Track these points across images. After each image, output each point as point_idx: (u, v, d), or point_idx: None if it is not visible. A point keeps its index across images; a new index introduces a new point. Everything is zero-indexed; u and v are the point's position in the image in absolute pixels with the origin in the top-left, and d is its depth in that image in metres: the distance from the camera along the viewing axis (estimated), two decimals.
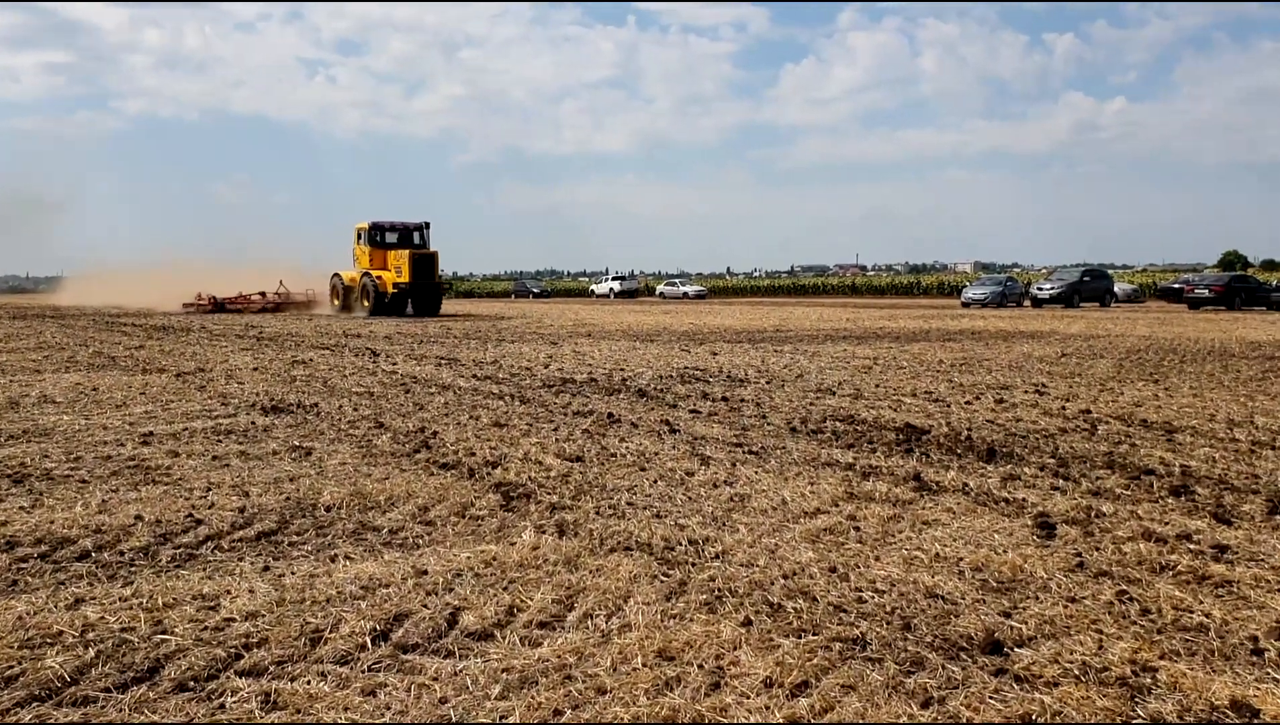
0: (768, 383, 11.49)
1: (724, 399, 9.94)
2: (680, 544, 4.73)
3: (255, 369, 13.38)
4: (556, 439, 7.55)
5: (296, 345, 18.28)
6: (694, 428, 8.12)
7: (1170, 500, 5.63)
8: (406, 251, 34.55)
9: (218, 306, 38.47)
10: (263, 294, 39.91)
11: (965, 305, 46.86)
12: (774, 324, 27.77)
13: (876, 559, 4.54)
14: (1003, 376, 12.29)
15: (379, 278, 34.64)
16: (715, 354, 15.89)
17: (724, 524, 5.12)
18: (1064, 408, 9.30)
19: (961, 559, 4.50)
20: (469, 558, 4.53)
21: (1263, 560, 4.45)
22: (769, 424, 8.35)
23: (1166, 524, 5.11)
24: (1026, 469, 6.49)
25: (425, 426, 8.19)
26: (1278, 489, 5.91)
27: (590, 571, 4.34)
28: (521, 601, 3.96)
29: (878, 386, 11.21)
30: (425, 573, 4.32)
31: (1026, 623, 3.73)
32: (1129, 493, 5.82)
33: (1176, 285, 50.62)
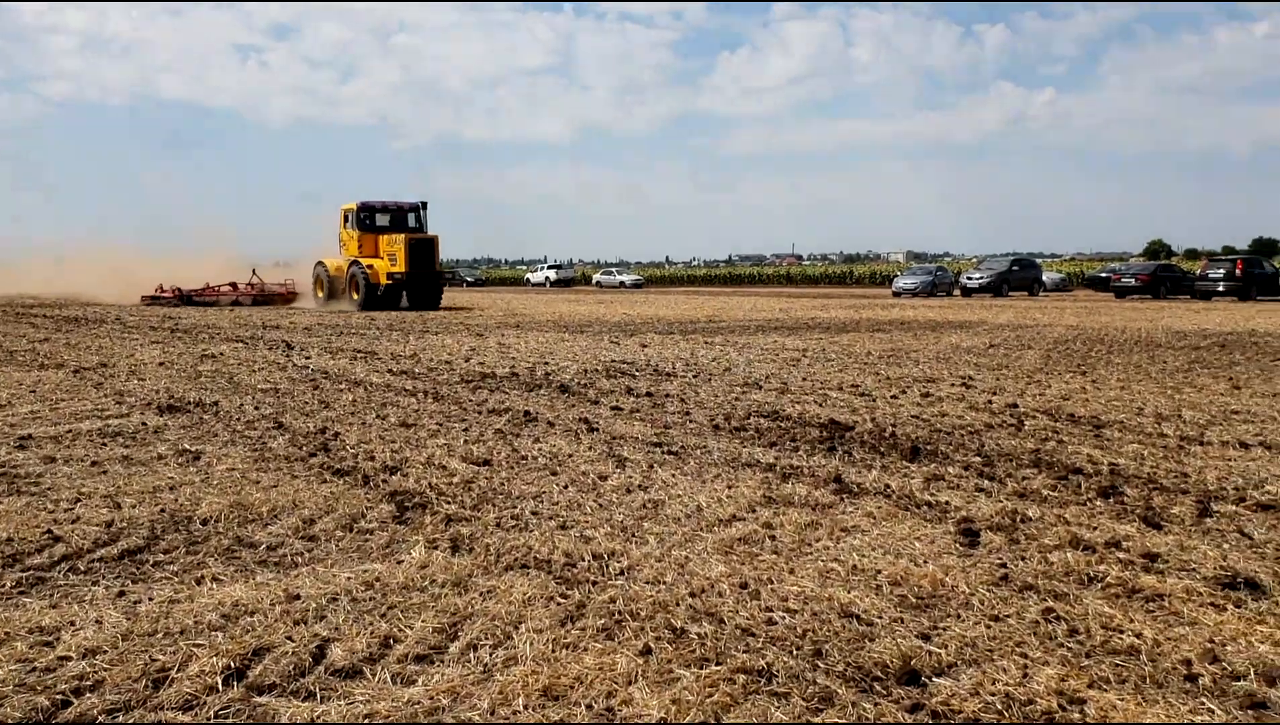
0: (695, 377, 11.20)
1: (648, 394, 9.62)
2: (583, 560, 4.39)
3: (161, 364, 12.76)
4: (466, 440, 7.17)
5: (211, 338, 17.60)
6: (614, 426, 7.78)
7: (1099, 502, 5.42)
8: (401, 236, 30.13)
9: (183, 299, 33.72)
10: (234, 285, 35.44)
11: (896, 295, 47.14)
12: (708, 315, 27.54)
13: (791, 572, 4.24)
14: (930, 368, 12.14)
15: (370, 267, 30.25)
16: (645, 346, 15.58)
17: (633, 535, 4.80)
18: (990, 402, 9.13)
19: (880, 571, 4.22)
20: (349, 579, 4.15)
21: (1194, 570, 4.24)
22: (692, 422, 8.05)
23: (1095, 529, 4.89)
24: (951, 469, 6.26)
25: (327, 427, 7.75)
26: (1207, 489, 5.73)
27: (481, 594, 3.98)
28: (400, 631, 3.59)
29: (805, 380, 10.98)
30: (298, 597, 3.93)
31: (947, 646, 3.45)
32: (1056, 494, 5.61)
33: (1104, 274, 51.49)
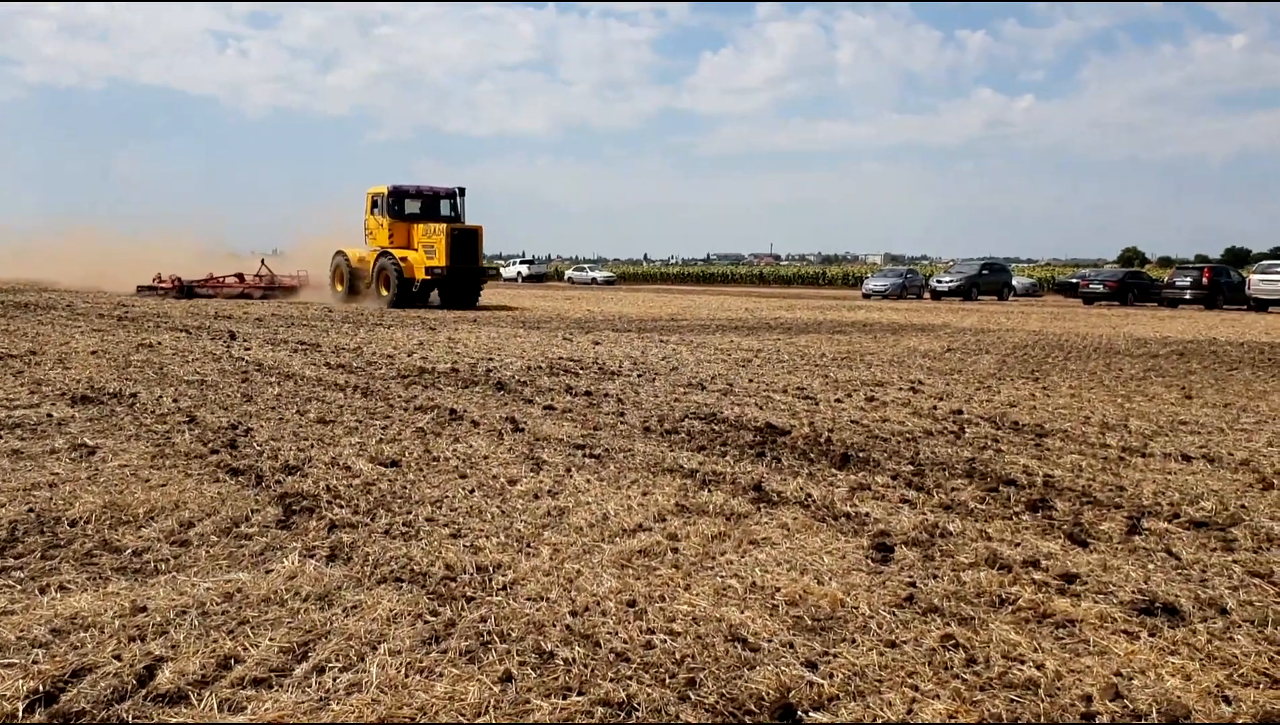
0: (639, 376, 10.92)
1: (587, 394, 9.33)
2: (465, 573, 4.10)
3: (94, 353, 12.35)
4: (381, 439, 6.86)
5: (157, 327, 17.17)
6: (541, 426, 7.49)
7: (1025, 516, 5.18)
8: (442, 226, 26.66)
9: (184, 290, 30.29)
10: (240, 276, 32.49)
11: (866, 296, 47.08)
12: (671, 313, 27.28)
13: (686, 588, 3.97)
14: (881, 372, 11.91)
15: (404, 259, 26.66)
16: (597, 343, 15.28)
17: (528, 545, 4.51)
18: (935, 407, 8.90)
19: (780, 589, 3.95)
20: (208, 590, 3.84)
21: (1112, 593, 3.99)
22: (624, 423, 7.77)
23: (1017, 546, 4.65)
24: (879, 478, 6.01)
25: (241, 422, 7.42)
26: (1141, 504, 5.51)
27: (344, 610, 3.68)
28: (243, 650, 3.29)
29: (751, 381, 10.72)
30: (144, 609, 3.61)
31: (833, 675, 3.19)
32: (983, 507, 5.36)
33: (1073, 280, 51.57)
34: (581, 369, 11.41)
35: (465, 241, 26.81)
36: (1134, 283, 44.06)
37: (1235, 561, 4.47)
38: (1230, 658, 3.37)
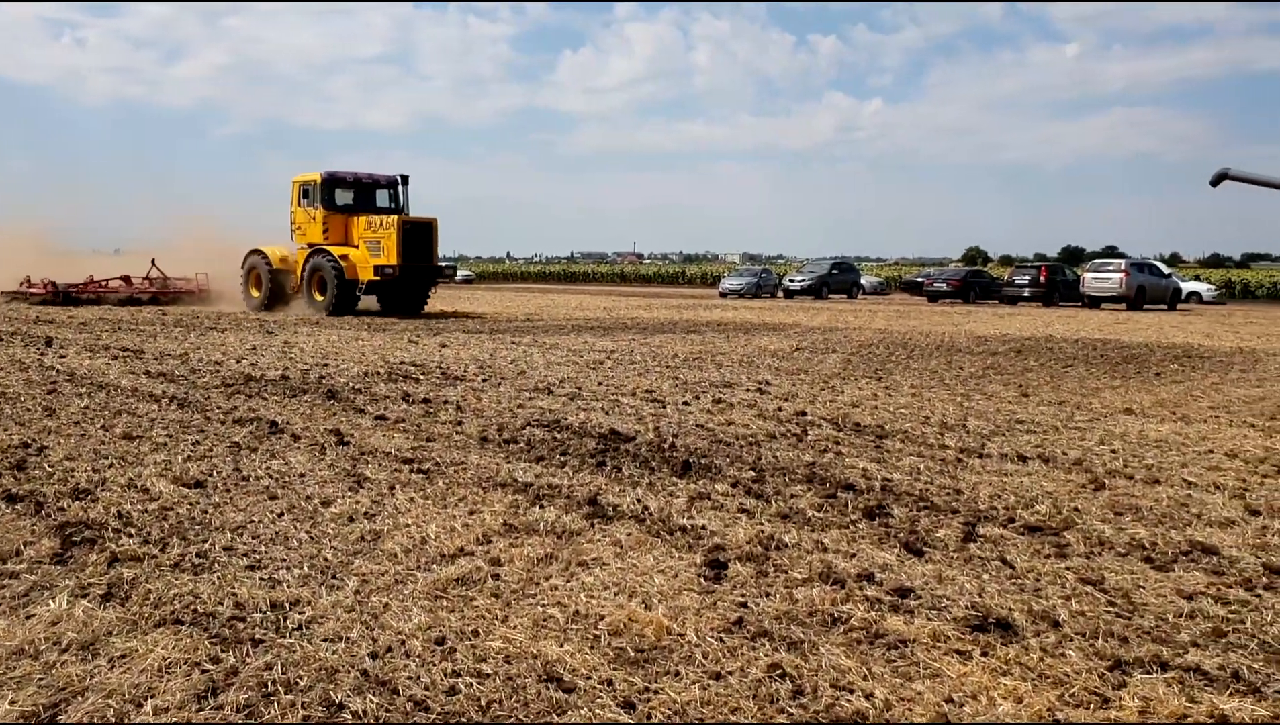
0: (484, 381, 10.55)
1: (425, 401, 8.92)
2: (257, 611, 3.70)
3: None
4: (189, 457, 6.33)
5: None
6: (369, 439, 7.06)
7: (862, 524, 5.06)
8: (392, 218, 23.10)
9: (59, 295, 25.67)
10: (126, 279, 27.86)
11: (723, 295, 47.55)
12: (528, 312, 26.89)
13: (503, 621, 3.67)
14: (730, 373, 11.83)
15: (344, 258, 22.94)
16: (444, 346, 14.80)
17: (334, 576, 4.13)
18: (780, 409, 8.81)
19: (604, 618, 3.69)
20: None
21: (946, 608, 3.87)
22: (461, 433, 7.41)
23: (852, 557, 4.51)
24: (719, 485, 5.82)
25: (36, 440, 6.76)
26: (977, 508, 5.46)
27: (110, 660, 3.25)
28: None
29: (601, 384, 10.48)
30: None
31: (651, 716, 2.94)
32: (821, 515, 5.22)
33: (919, 279, 53.20)
34: (423, 374, 10.96)
35: (419, 236, 23.32)
36: (976, 281, 45.69)
37: (1068, 568, 4.42)
38: (1062, 676, 3.25)
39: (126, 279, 27.92)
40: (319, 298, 23.27)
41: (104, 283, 27.50)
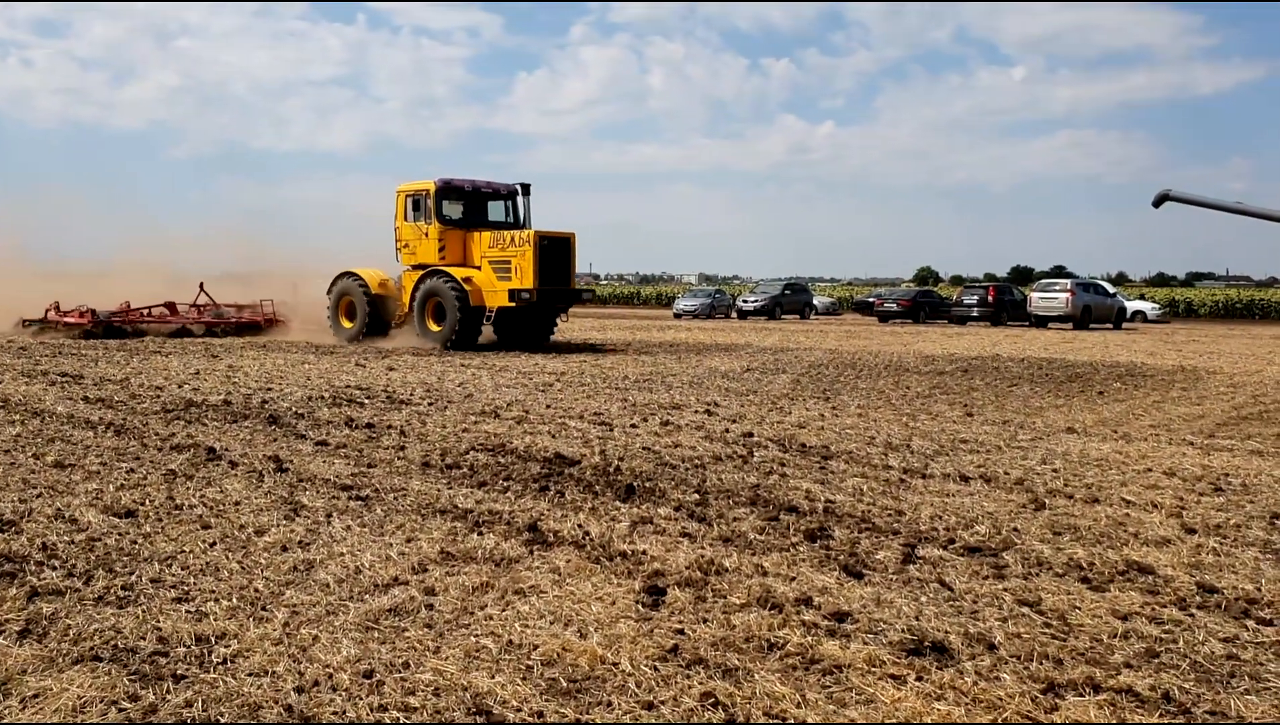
0: (430, 405, 10.44)
1: (369, 426, 8.80)
2: (182, 645, 3.61)
3: None
4: (122, 485, 6.18)
5: None
6: (309, 465, 6.95)
7: (803, 547, 5.05)
8: (525, 233, 19.53)
9: (101, 325, 21.23)
10: (170, 306, 23.21)
11: (677, 316, 47.71)
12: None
13: (436, 652, 3.60)
14: (680, 394, 11.82)
15: (467, 281, 19.41)
16: (392, 369, 14.66)
17: (264, 607, 4.04)
18: (727, 431, 8.81)
19: (538, 647, 3.63)
20: None
21: (882, 632, 3.86)
22: (403, 458, 7.31)
23: (792, 580, 4.49)
24: (663, 509, 5.79)
25: None
26: (919, 529, 5.48)
27: (22, 700, 3.14)
28: None
29: (549, 407, 10.42)
30: None
31: None
32: (763, 538, 5.21)
33: (870, 299, 53.69)
34: (368, 398, 10.83)
35: (556, 255, 19.68)
36: (925, 301, 46.21)
37: (1006, 589, 4.44)
38: (995, 700, 3.25)
39: (171, 306, 23.35)
40: (434, 328, 19.75)
41: (145, 311, 22.77)
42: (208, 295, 24.05)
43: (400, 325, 21.01)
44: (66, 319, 21.60)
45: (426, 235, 20.35)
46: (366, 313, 20.93)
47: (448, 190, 20.49)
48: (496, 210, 21.23)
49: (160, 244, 29.15)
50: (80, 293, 22.74)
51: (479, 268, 19.93)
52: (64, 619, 3.84)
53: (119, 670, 3.37)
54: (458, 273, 19.62)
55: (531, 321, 20.83)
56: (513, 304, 19.19)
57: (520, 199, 21.10)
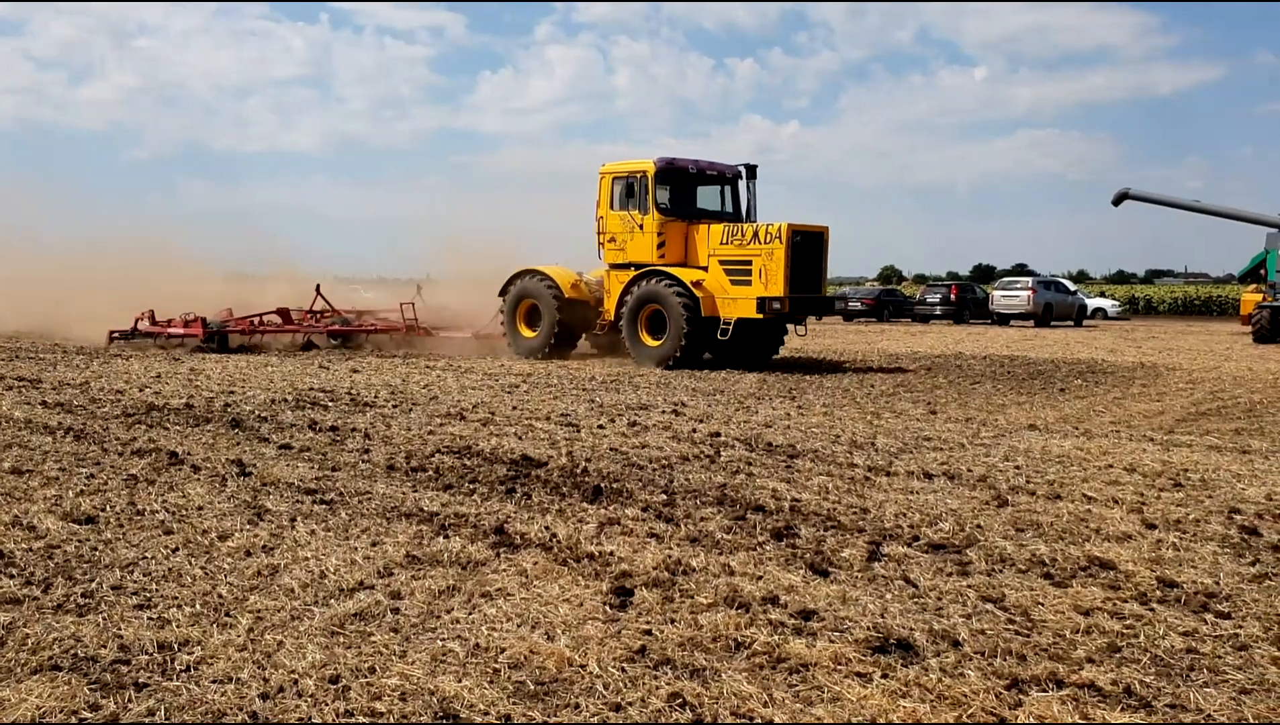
0: (395, 407, 10.38)
1: (333, 429, 8.74)
2: (144, 653, 3.56)
3: None
4: (82, 491, 6.09)
5: None
6: (272, 469, 6.88)
7: (770, 546, 5.07)
8: (776, 227, 15.41)
9: (215, 338, 18.06)
10: (283, 313, 19.79)
11: None
12: None
13: (402, 656, 3.59)
14: (647, 395, 11.82)
15: (697, 285, 15.57)
16: (356, 371, 14.55)
17: (227, 613, 4.00)
18: (695, 431, 8.82)
19: (505, 650, 3.63)
20: None
21: (847, 630, 3.88)
22: (367, 461, 7.26)
23: (759, 579, 4.51)
24: (630, 510, 5.79)
25: None
26: (883, 526, 5.52)
27: None
28: None
29: (515, 408, 10.38)
30: None
31: None
32: (730, 537, 5.22)
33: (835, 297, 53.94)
34: (332, 401, 10.75)
35: (809, 255, 15.81)
36: (889, 300, 46.50)
37: (970, 586, 4.48)
38: (960, 697, 3.28)
39: (284, 313, 19.80)
40: (650, 342, 16.03)
41: (259, 320, 19.37)
42: (325, 299, 20.50)
43: (599, 334, 17.96)
44: (171, 330, 18.45)
45: (641, 227, 16.40)
46: (555, 321, 17.18)
47: (672, 171, 16.55)
48: (710, 197, 17.34)
49: (158, 245, 27.47)
50: (94, 297, 20.30)
51: (705, 269, 16.14)
52: (22, 628, 3.78)
53: (79, 679, 3.33)
54: (684, 275, 15.79)
55: (759, 334, 16.71)
56: (760, 316, 15.35)
57: (744, 183, 17.06)
